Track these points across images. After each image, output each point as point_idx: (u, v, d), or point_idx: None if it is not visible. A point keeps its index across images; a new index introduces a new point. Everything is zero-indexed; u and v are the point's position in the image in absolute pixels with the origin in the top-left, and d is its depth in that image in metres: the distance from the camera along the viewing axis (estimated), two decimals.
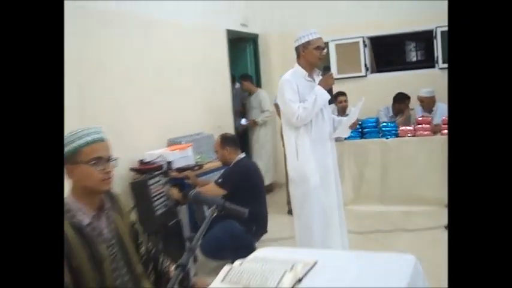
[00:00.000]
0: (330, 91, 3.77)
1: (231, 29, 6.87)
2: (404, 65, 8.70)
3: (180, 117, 5.76)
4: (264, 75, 7.85)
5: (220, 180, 4.36)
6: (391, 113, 6.82)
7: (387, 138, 6.15)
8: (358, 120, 4.00)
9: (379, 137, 6.22)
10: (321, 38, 3.77)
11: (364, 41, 7.59)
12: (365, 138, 6.27)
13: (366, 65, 7.62)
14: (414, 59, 10.17)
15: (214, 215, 1.97)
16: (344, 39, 7.62)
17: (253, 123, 7.17)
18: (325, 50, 3.77)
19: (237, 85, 7.56)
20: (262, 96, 7.15)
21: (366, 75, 7.64)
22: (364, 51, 7.57)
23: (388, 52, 8.32)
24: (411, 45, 10.17)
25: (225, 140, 4.54)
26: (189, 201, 2.85)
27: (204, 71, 6.19)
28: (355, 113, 3.90)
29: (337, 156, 4.03)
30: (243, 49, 7.65)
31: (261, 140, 7.31)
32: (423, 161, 6.06)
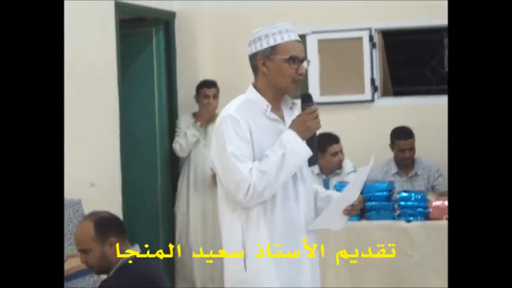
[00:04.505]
0: (311, 140, 2.97)
1: (123, 0, 5.77)
2: (441, 83, 7.00)
3: None
4: (183, 90, 6.56)
5: None
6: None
7: (408, 221, 5.22)
8: (362, 199, 3.23)
9: (393, 218, 5.25)
10: (298, 41, 3.05)
11: (371, 36, 6.35)
12: (368, 219, 5.36)
13: (373, 81, 6.41)
14: None
15: None
16: (334, 31, 6.40)
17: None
18: (305, 64, 3.05)
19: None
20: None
21: (372, 100, 6.43)
22: (372, 56, 6.39)
23: (413, 60, 7.08)
24: None
25: (102, 225, 3.38)
26: None
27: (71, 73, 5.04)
28: (356, 185, 3.11)
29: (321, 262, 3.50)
30: (144, 39, 6.53)
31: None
32: None
